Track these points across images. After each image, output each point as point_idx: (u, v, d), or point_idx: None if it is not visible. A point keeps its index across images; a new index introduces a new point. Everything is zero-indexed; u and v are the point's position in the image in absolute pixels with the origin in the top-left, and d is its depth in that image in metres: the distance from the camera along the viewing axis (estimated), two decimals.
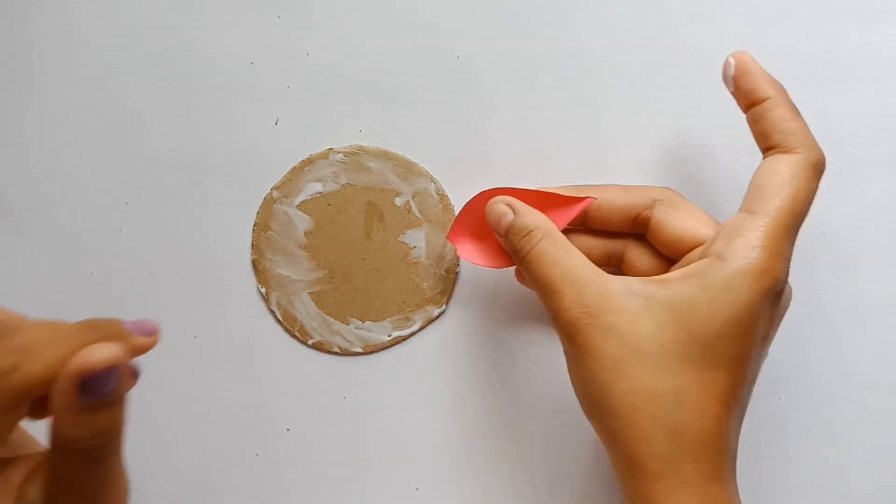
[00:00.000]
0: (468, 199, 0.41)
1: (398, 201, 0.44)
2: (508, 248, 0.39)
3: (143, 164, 0.46)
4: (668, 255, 0.40)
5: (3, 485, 0.28)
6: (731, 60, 0.37)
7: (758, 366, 0.36)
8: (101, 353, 0.27)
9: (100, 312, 0.45)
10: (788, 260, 0.35)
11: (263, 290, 0.45)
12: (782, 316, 0.37)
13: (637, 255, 0.41)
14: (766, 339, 0.36)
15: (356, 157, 0.45)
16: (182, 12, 0.46)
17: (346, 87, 0.45)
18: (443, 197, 0.44)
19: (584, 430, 0.44)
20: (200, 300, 0.44)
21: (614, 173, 0.44)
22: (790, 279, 0.36)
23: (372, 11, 0.46)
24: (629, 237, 0.41)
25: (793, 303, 0.43)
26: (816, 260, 0.44)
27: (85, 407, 0.26)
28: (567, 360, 0.37)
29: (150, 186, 0.46)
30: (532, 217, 0.38)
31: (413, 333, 0.45)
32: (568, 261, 0.36)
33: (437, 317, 0.45)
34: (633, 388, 0.34)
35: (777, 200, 0.35)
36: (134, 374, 0.29)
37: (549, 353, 0.44)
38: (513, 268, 0.42)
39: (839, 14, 0.44)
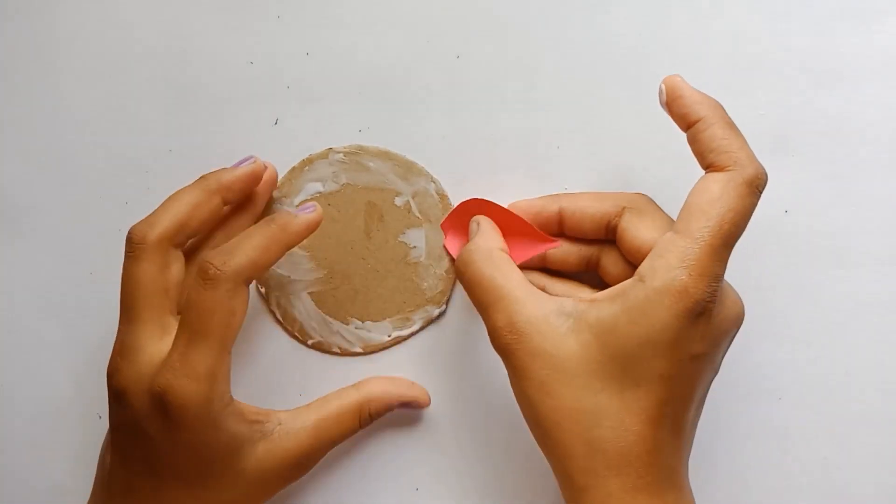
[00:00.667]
0: (460, 202, 0.43)
1: (398, 201, 0.44)
2: (455, 272, 0.40)
3: (143, 164, 0.46)
4: (635, 264, 0.39)
5: None
6: (663, 87, 0.37)
7: (692, 384, 0.36)
8: None
9: (100, 312, 0.46)
10: (715, 280, 0.34)
11: (263, 290, 0.45)
12: (726, 333, 0.36)
13: (612, 260, 0.41)
14: (699, 357, 0.35)
15: (356, 156, 0.45)
16: (182, 12, 0.46)
17: (346, 87, 0.45)
18: (443, 197, 0.44)
19: None
20: None
21: (614, 174, 0.44)
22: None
23: (372, 11, 0.46)
24: (605, 242, 0.41)
25: (793, 303, 0.43)
26: (816, 260, 0.44)
27: None
28: (509, 379, 0.38)
29: (150, 186, 0.46)
30: (480, 239, 0.40)
31: (413, 333, 0.45)
32: (504, 283, 0.37)
33: (438, 317, 0.45)
34: (557, 407, 0.35)
35: (703, 220, 0.34)
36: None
37: None
38: None
39: (839, 14, 0.44)
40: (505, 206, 0.42)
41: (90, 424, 0.46)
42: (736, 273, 0.37)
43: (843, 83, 0.44)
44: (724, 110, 0.36)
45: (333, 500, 0.45)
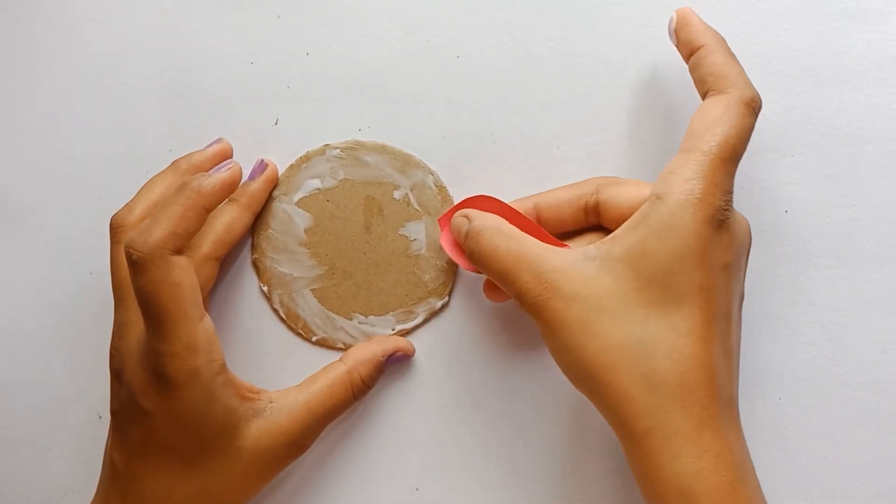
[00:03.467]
0: (464, 198, 0.42)
1: (397, 195, 0.44)
2: (468, 256, 0.39)
3: (144, 163, 0.46)
4: None
5: None
6: (674, 15, 0.40)
7: (729, 298, 0.36)
8: None
9: (100, 312, 0.45)
10: (728, 192, 0.35)
11: (266, 288, 0.45)
12: (743, 249, 0.37)
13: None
14: (728, 268, 0.35)
15: (353, 152, 0.45)
16: (182, 12, 0.46)
17: (346, 87, 0.46)
18: (441, 188, 0.44)
19: (592, 423, 0.44)
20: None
21: (613, 174, 0.44)
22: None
23: (372, 11, 0.46)
24: (594, 233, 0.41)
25: (793, 303, 0.43)
26: (816, 260, 0.44)
27: None
28: (543, 339, 0.37)
29: None
30: (482, 220, 0.39)
31: (417, 326, 0.45)
32: (519, 247, 0.37)
33: (441, 309, 0.45)
34: (604, 347, 0.34)
35: (709, 137, 0.35)
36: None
37: None
38: None
39: (839, 14, 0.44)
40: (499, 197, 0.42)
41: (90, 425, 0.46)
42: None
43: (843, 83, 0.44)
44: (726, 42, 0.38)
45: (333, 500, 0.45)
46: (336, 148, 0.45)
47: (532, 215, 0.41)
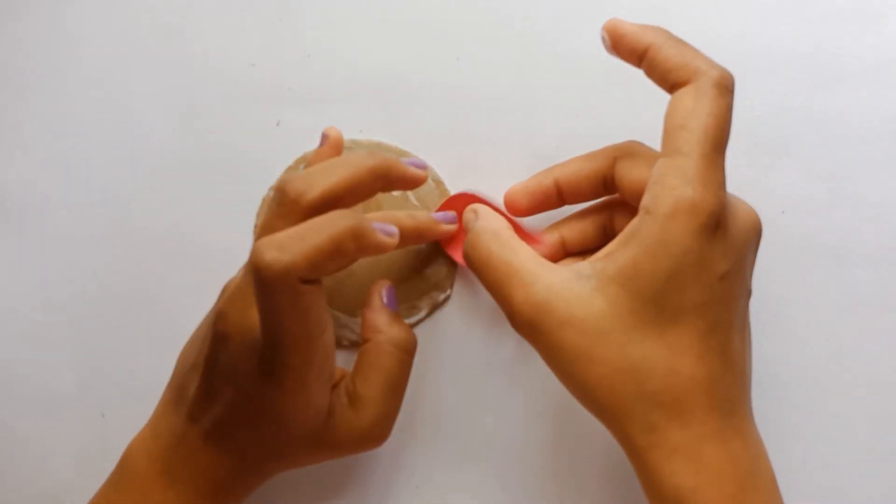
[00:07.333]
0: (450, 196, 0.43)
1: (395, 191, 0.44)
2: (463, 257, 0.38)
3: (145, 164, 0.46)
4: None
5: None
6: (604, 34, 0.37)
7: (728, 306, 0.34)
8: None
9: (101, 312, 0.46)
10: (719, 190, 0.33)
11: None
12: (746, 244, 0.35)
13: (623, 221, 0.40)
14: (727, 276, 0.33)
15: (350, 150, 0.45)
16: (184, 14, 0.47)
17: (347, 89, 0.46)
18: (438, 184, 0.45)
19: (593, 417, 0.43)
20: (202, 301, 0.44)
21: None
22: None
23: (373, 13, 0.46)
24: (615, 205, 0.41)
25: (790, 303, 0.43)
26: (814, 260, 0.44)
27: None
28: (544, 360, 0.36)
29: (152, 187, 0.46)
30: (483, 222, 0.38)
31: (420, 321, 0.44)
32: (512, 259, 0.35)
33: (443, 302, 0.44)
34: (604, 373, 0.33)
35: (686, 134, 0.33)
36: None
37: None
38: None
39: (839, 14, 0.44)
40: (500, 196, 0.42)
41: (93, 423, 0.46)
42: None
43: (843, 83, 0.44)
44: (669, 31, 0.36)
45: (333, 499, 0.45)
46: None
47: (552, 191, 0.41)
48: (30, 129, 0.47)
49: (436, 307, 0.44)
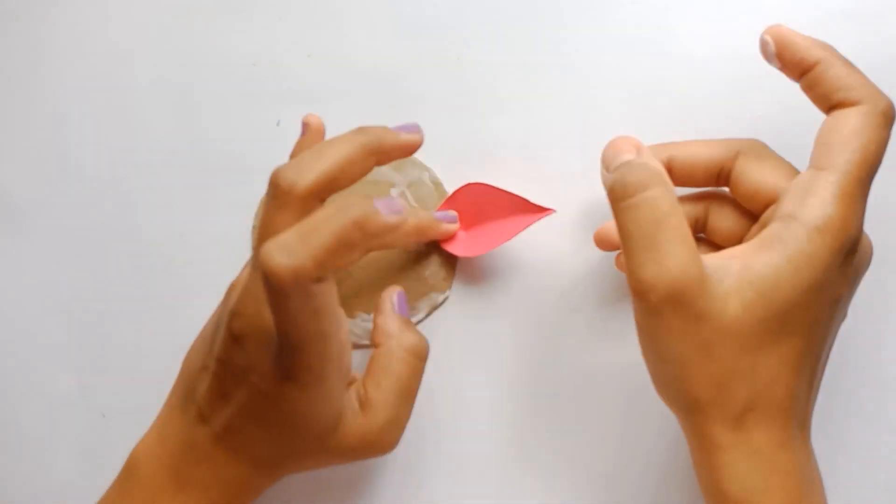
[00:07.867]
0: (453, 191, 0.43)
1: (393, 192, 0.44)
2: (611, 189, 0.35)
3: (146, 164, 0.46)
4: (750, 210, 0.39)
5: None
6: (768, 38, 0.36)
7: (829, 328, 0.35)
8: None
9: (101, 313, 0.46)
10: (863, 214, 0.34)
11: None
12: (861, 274, 0.36)
13: (719, 216, 0.40)
14: (839, 300, 0.34)
15: None
16: (185, 14, 0.47)
17: (348, 89, 0.46)
18: (437, 185, 0.45)
19: (591, 414, 0.44)
20: (202, 300, 0.44)
21: None
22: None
23: (373, 13, 0.46)
24: (712, 199, 0.41)
25: None
26: None
27: None
28: (642, 335, 0.35)
29: (154, 187, 0.46)
30: (657, 164, 0.36)
31: (419, 322, 0.44)
32: (675, 230, 0.34)
33: (442, 303, 0.45)
34: (716, 371, 0.33)
35: (847, 153, 0.33)
36: None
37: (556, 333, 0.44)
38: (492, 251, 0.43)
39: (836, 16, 0.44)
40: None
41: (94, 423, 0.46)
42: None
43: None
44: (836, 49, 0.35)
45: (333, 499, 0.45)
46: None
47: (663, 167, 0.37)
48: (30, 129, 0.47)
49: (434, 308, 0.44)
